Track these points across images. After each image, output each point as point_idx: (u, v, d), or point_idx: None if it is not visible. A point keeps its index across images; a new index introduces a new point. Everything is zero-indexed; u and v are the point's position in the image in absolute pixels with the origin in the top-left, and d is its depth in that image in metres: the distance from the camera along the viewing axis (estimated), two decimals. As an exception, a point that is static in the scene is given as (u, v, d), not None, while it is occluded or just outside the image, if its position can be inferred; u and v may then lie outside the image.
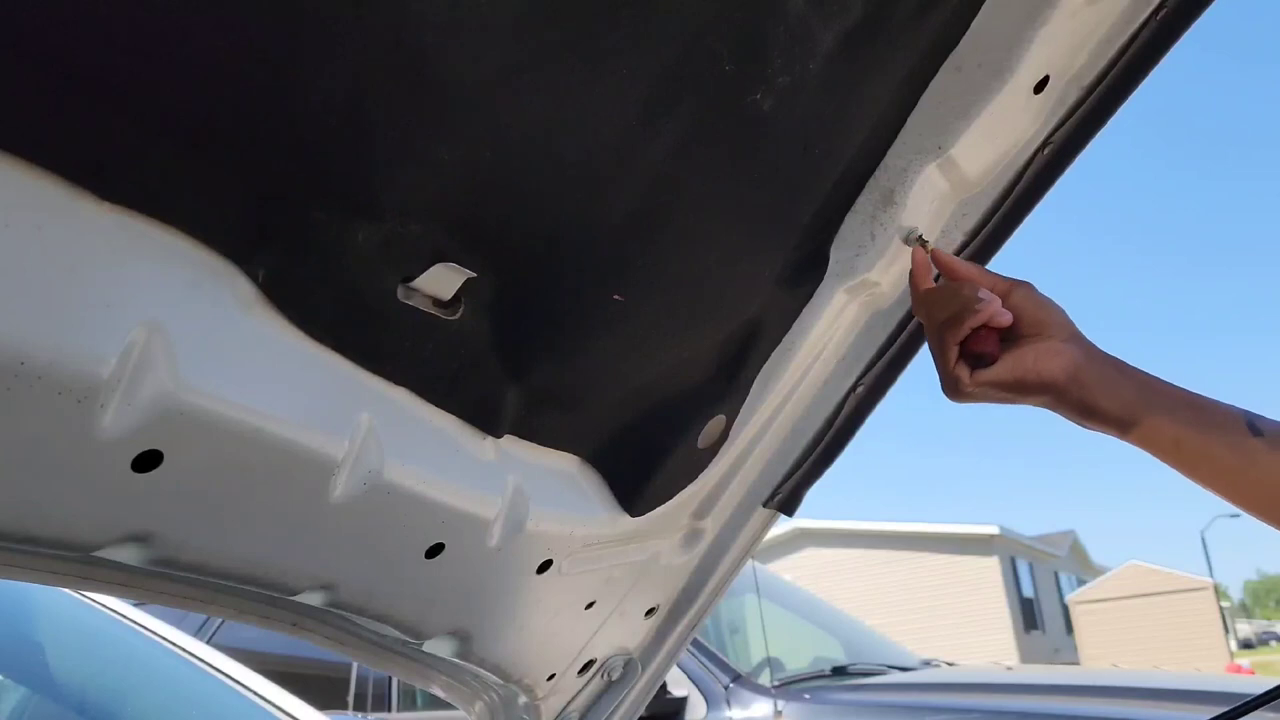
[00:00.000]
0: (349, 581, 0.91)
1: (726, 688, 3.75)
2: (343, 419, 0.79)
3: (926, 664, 4.61)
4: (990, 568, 24.86)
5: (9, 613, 2.05)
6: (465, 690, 1.24)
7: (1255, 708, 0.96)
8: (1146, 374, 0.94)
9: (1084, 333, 0.96)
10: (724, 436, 1.13)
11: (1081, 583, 30.63)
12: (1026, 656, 23.29)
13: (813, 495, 1.27)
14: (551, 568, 1.07)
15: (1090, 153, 1.06)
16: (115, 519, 0.72)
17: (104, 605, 2.14)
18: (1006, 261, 1.12)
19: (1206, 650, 22.64)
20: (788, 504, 1.26)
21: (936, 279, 1.01)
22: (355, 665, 4.59)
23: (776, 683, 3.80)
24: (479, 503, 0.93)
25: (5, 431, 0.61)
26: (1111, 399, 0.93)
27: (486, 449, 0.94)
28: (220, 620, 3.65)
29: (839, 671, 4.19)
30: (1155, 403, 0.93)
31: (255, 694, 2.07)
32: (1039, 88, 1.01)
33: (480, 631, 1.08)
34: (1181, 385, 0.94)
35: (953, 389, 0.95)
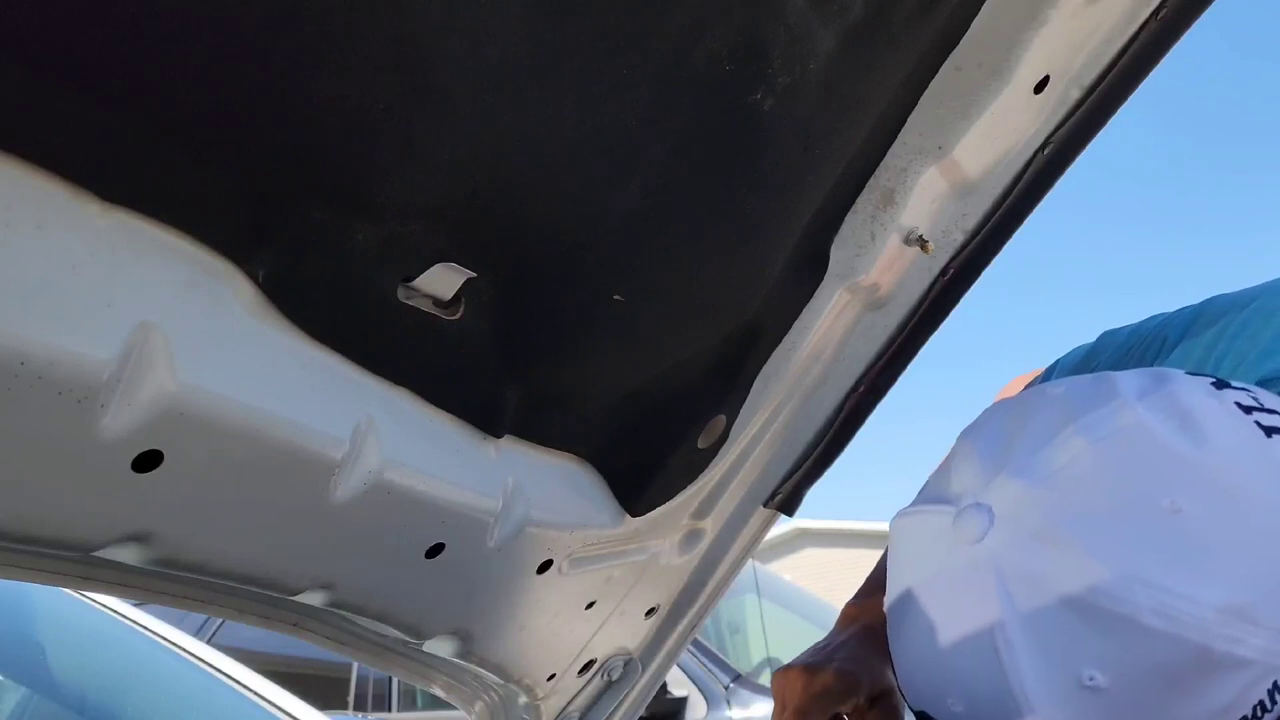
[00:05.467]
0: (349, 581, 0.91)
1: (726, 688, 3.75)
2: (343, 419, 0.79)
3: (926, 664, 4.59)
4: (990, 568, 24.73)
5: (9, 613, 2.05)
6: (465, 690, 1.24)
7: None
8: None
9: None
10: (724, 436, 1.13)
11: (1081, 583, 30.48)
12: (1026, 656, 23.18)
13: (813, 495, 1.27)
14: (551, 568, 1.07)
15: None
16: (115, 519, 0.72)
17: (104, 605, 2.14)
18: (1006, 259, 1.12)
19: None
20: (788, 504, 1.26)
21: None
22: (355, 665, 4.59)
23: (777, 683, 3.79)
24: (479, 503, 0.93)
25: (5, 431, 0.61)
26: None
27: (486, 449, 0.94)
28: (220, 620, 3.65)
29: (839, 671, 4.18)
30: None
31: (255, 694, 2.07)
32: (1039, 88, 1.01)
33: (480, 631, 1.08)
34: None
35: None
